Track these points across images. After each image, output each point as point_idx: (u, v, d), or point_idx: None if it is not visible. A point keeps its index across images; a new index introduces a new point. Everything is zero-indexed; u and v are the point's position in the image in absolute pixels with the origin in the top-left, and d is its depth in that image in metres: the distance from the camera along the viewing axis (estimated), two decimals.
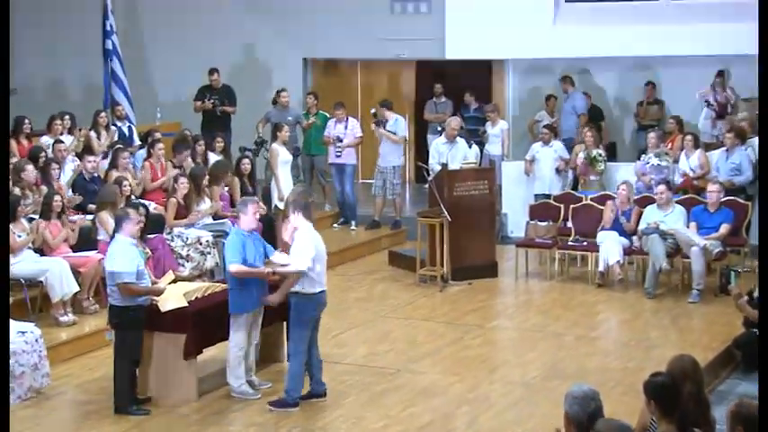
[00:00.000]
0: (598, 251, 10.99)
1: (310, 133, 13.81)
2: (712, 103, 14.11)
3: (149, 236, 9.73)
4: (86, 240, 9.79)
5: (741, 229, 11.05)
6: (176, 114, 14.96)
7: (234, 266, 7.67)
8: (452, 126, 12.21)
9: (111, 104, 14.22)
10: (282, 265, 7.63)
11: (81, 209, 10.53)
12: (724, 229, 10.65)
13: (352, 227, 13.49)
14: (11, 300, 8.61)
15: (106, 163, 11.59)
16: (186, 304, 7.84)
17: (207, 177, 11.06)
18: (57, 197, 9.67)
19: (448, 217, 11.00)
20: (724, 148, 12.04)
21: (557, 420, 4.89)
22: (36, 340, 7.90)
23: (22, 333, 7.82)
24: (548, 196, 12.45)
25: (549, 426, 6.03)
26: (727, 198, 11.08)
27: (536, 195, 12.75)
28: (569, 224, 11.72)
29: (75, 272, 9.34)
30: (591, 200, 11.83)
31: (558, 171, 12.84)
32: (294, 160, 13.00)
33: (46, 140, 12.04)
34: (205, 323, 7.86)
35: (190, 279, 9.87)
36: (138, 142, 13.20)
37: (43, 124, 12.46)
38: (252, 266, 7.64)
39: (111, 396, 7.62)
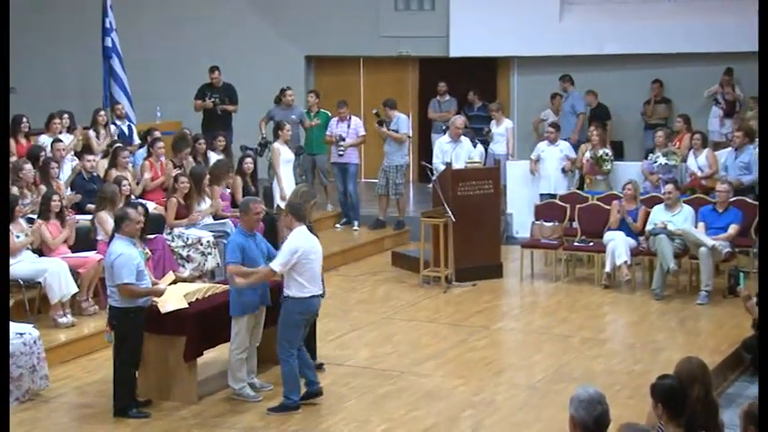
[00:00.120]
0: (605, 252, 10.99)
1: (312, 132, 13.81)
2: (720, 102, 14.11)
3: (149, 236, 9.74)
4: (85, 241, 9.79)
5: (750, 230, 11.03)
6: (176, 113, 14.96)
7: (231, 268, 7.72)
8: (457, 125, 12.20)
9: (110, 103, 14.22)
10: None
11: (80, 209, 10.54)
12: (733, 229, 10.64)
13: (355, 227, 13.49)
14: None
15: (106, 162, 11.61)
16: (187, 305, 7.85)
17: (207, 177, 11.06)
18: (55, 197, 9.67)
19: (452, 217, 10.99)
20: (733, 147, 12.03)
21: (562, 424, 4.88)
22: (34, 342, 7.91)
23: (21, 334, 7.83)
24: (553, 196, 12.44)
25: (555, 429, 6.03)
26: (736, 198, 11.07)
27: (541, 195, 12.74)
28: (575, 224, 11.71)
29: (74, 272, 9.34)
30: (597, 200, 11.83)
31: (564, 171, 12.83)
32: (297, 159, 13.01)
33: (44, 139, 12.05)
34: (206, 325, 7.87)
35: (190, 280, 9.88)
36: (137, 141, 13.21)
37: (42, 123, 12.47)
38: (251, 268, 7.64)
39: (111, 399, 7.62)
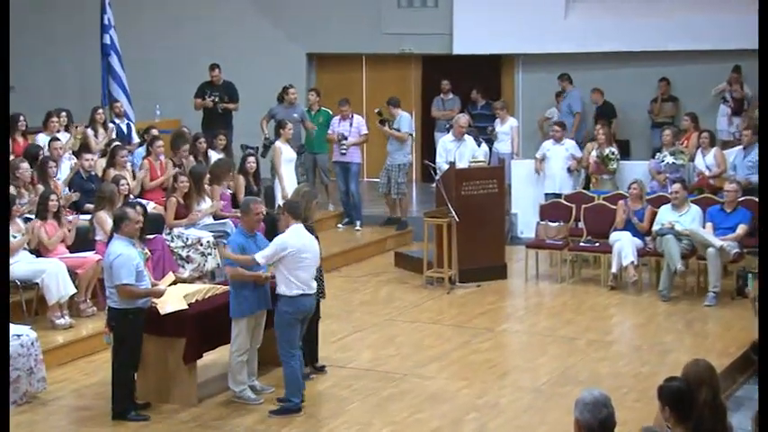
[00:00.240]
0: (611, 252, 10.98)
1: (313, 130, 13.79)
2: (728, 100, 14.10)
3: (148, 236, 9.74)
4: (84, 241, 9.80)
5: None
6: (176, 111, 14.97)
7: (229, 269, 7.74)
8: (460, 123, 12.20)
9: (109, 101, 14.23)
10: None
11: (78, 208, 10.55)
12: (741, 229, 10.63)
13: (357, 227, 13.50)
14: None
15: (104, 161, 11.61)
16: (186, 307, 7.86)
17: (208, 176, 11.07)
18: (53, 196, 9.68)
19: (456, 217, 10.99)
20: (741, 146, 12.02)
21: (568, 427, 4.88)
22: (32, 344, 7.91)
23: (18, 336, 7.83)
24: (559, 196, 12.44)
25: None
26: (745, 197, 11.05)
27: (546, 195, 12.74)
28: (581, 224, 11.71)
29: (72, 273, 9.35)
30: (603, 199, 11.82)
31: (569, 170, 12.83)
32: (299, 158, 13.01)
33: (42, 138, 12.05)
34: (206, 326, 7.87)
35: (190, 281, 9.89)
36: (136, 140, 13.22)
37: (39, 121, 12.48)
38: (251, 269, 7.66)
39: (109, 401, 7.63)
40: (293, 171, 12.57)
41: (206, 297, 8.13)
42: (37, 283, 9.19)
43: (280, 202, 11.98)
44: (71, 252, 9.64)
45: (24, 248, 9.34)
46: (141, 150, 12.34)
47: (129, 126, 13.64)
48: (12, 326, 7.90)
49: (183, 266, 10.30)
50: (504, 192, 12.01)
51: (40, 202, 9.66)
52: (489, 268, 11.44)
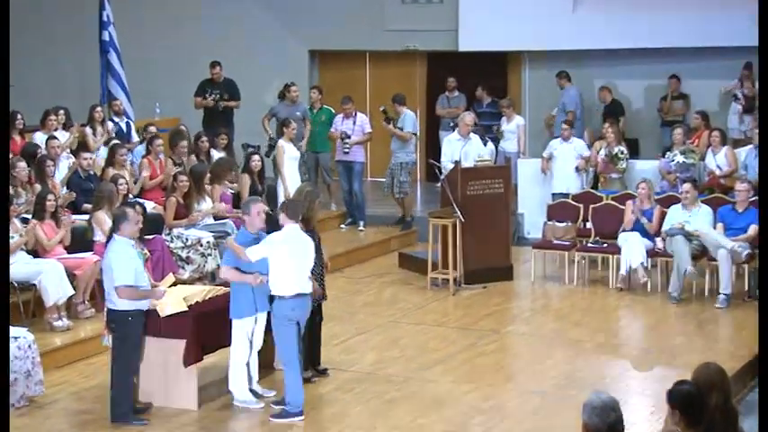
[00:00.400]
0: (619, 253, 10.98)
1: (315, 129, 13.80)
2: (740, 97, 14.08)
3: (148, 236, 9.75)
4: (82, 241, 9.81)
5: None
6: (176, 109, 14.98)
7: (224, 270, 7.78)
8: (466, 122, 12.20)
9: (107, 99, 14.24)
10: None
11: (76, 208, 10.56)
12: (753, 230, 10.61)
13: (361, 227, 13.50)
14: None
15: (103, 160, 11.63)
16: (186, 309, 7.86)
17: (208, 176, 11.07)
18: (51, 196, 9.69)
19: (461, 217, 10.99)
20: (752, 145, 12.00)
21: (575, 431, 4.88)
22: (29, 346, 7.92)
23: (15, 338, 7.84)
24: (566, 195, 12.44)
25: None
26: (757, 197, 11.04)
27: (554, 194, 12.74)
28: (589, 225, 11.71)
29: (71, 274, 9.36)
30: (612, 199, 11.82)
31: (577, 169, 12.82)
32: (301, 157, 13.02)
33: (39, 137, 12.06)
34: (206, 328, 7.88)
35: (190, 282, 9.89)
36: (136, 138, 13.24)
37: (37, 119, 12.50)
38: (252, 271, 7.67)
39: (108, 405, 7.63)
40: (296, 170, 12.58)
41: (206, 299, 8.13)
42: (34, 285, 9.20)
43: (282, 201, 12.00)
44: (69, 253, 9.65)
45: (21, 249, 9.35)
46: (141, 149, 12.36)
47: (128, 124, 13.65)
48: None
49: (183, 267, 10.31)
50: (510, 191, 12.01)
51: (38, 202, 9.67)
52: (495, 269, 11.43)
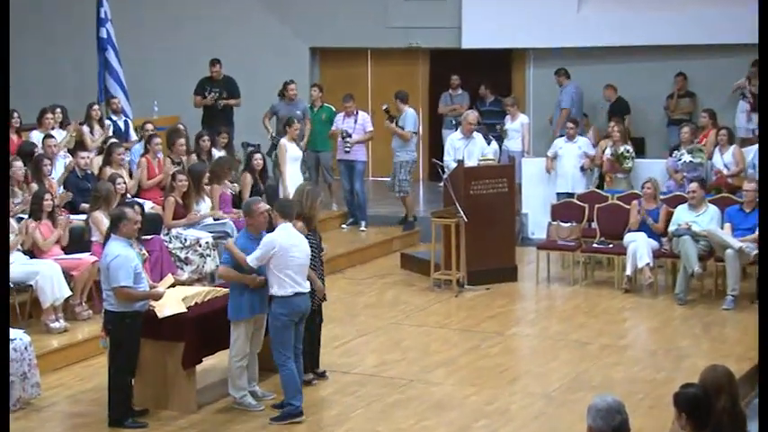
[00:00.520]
0: (625, 254, 10.98)
1: (316, 128, 13.80)
2: (748, 95, 14.07)
3: (146, 237, 9.76)
4: (79, 242, 9.81)
5: None
6: (175, 108, 14.99)
7: (222, 269, 7.79)
8: (469, 120, 12.20)
9: (105, 97, 14.24)
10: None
11: (73, 208, 10.56)
12: None
13: (362, 228, 13.50)
14: None
15: (100, 159, 11.63)
16: (185, 310, 7.86)
17: (207, 175, 11.08)
18: (47, 196, 9.69)
19: (464, 217, 10.99)
20: (761, 144, 11.99)
21: None
22: (25, 348, 7.92)
23: (11, 340, 7.84)
24: (571, 195, 12.44)
25: None
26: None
27: (558, 194, 12.74)
28: (594, 225, 11.70)
29: (68, 275, 9.36)
30: (617, 199, 11.81)
31: (582, 168, 12.82)
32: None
33: (36, 135, 12.07)
34: (205, 330, 7.88)
35: (189, 283, 9.90)
36: (134, 137, 13.24)
37: (34, 118, 12.50)
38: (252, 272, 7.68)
39: (106, 408, 7.63)
40: (298, 170, 12.59)
41: (205, 300, 8.14)
42: (31, 286, 9.20)
43: None
44: (66, 253, 9.65)
45: (18, 249, 9.35)
46: (139, 147, 12.36)
47: (126, 123, 13.67)
48: None
49: (182, 268, 10.31)
50: (514, 191, 12.01)
51: (35, 202, 9.67)
52: (499, 270, 11.43)
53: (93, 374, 8.56)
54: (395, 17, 15.93)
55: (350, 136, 13.39)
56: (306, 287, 7.71)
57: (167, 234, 10.50)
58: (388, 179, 13.56)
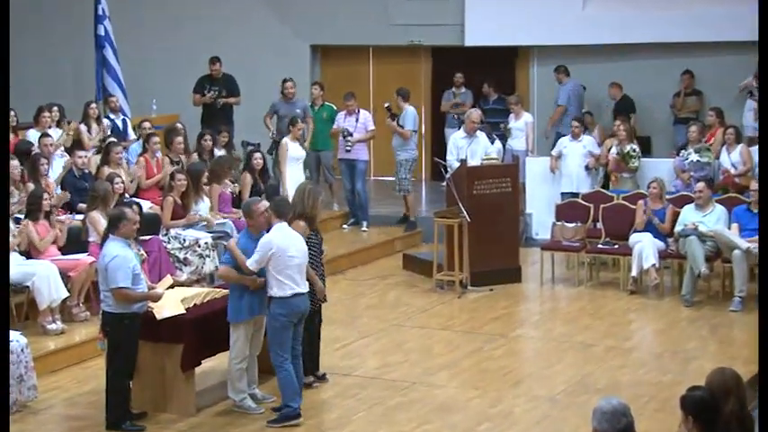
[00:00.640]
0: (631, 255, 10.97)
1: (317, 127, 13.79)
2: (755, 94, 14.05)
3: (144, 237, 9.75)
4: (76, 242, 9.81)
5: None
6: (174, 106, 14.99)
7: (222, 270, 7.79)
8: (472, 119, 12.19)
9: (103, 95, 14.25)
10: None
11: (70, 208, 10.56)
12: None
13: (364, 228, 13.50)
14: None
15: (98, 158, 11.63)
16: (184, 312, 7.86)
17: (206, 175, 11.07)
18: (44, 195, 9.69)
19: (467, 217, 10.99)
20: None
21: None
22: (22, 350, 7.92)
23: None
24: (576, 195, 12.43)
25: None
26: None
27: (563, 194, 12.73)
28: (599, 225, 11.70)
29: (65, 276, 9.36)
30: (623, 199, 11.81)
31: (587, 168, 12.81)
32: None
33: (33, 134, 12.06)
34: (204, 332, 7.88)
35: (188, 284, 9.89)
36: (132, 136, 13.24)
37: (30, 116, 12.51)
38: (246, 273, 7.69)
39: (103, 411, 7.63)
40: (300, 170, 12.59)
41: (204, 301, 8.14)
42: (27, 287, 9.20)
43: None
44: (63, 254, 9.65)
45: (14, 250, 9.35)
46: (137, 146, 12.36)
47: (124, 122, 13.66)
48: None
49: (181, 269, 10.31)
50: (518, 191, 12.00)
51: (31, 202, 9.66)
52: (502, 271, 11.43)
53: (90, 377, 8.56)
54: (397, 14, 15.93)
55: (351, 135, 13.39)
56: (305, 287, 7.71)
57: (166, 234, 10.50)
58: (395, 179, 13.57)
